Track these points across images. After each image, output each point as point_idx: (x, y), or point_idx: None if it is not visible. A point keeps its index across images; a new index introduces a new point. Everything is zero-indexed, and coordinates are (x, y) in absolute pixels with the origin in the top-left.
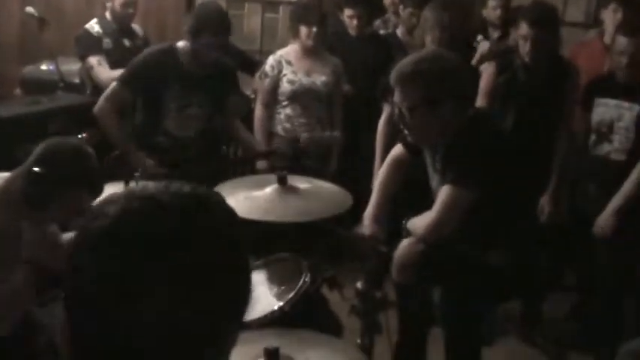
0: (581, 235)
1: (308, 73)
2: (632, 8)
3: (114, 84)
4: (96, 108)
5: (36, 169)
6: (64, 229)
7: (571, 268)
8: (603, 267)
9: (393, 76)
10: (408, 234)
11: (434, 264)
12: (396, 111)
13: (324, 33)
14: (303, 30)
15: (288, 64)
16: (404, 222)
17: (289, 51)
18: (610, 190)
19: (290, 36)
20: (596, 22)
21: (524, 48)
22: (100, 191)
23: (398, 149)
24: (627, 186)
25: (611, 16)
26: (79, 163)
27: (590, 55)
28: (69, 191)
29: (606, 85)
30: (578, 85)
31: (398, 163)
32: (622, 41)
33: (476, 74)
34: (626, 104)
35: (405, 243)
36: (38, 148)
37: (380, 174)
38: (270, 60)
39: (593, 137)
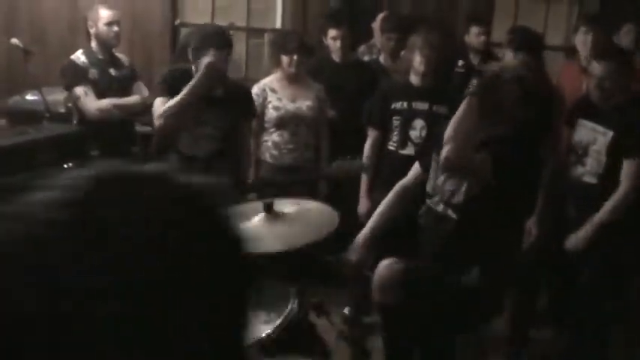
0: (562, 256)
1: (293, 99)
2: (600, 31)
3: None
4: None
5: None
6: None
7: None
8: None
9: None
10: None
11: (415, 283)
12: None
13: (304, 60)
14: (284, 59)
15: (272, 91)
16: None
17: (272, 79)
18: (585, 211)
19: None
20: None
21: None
22: None
23: (409, 179)
24: (600, 214)
25: (582, 40)
26: None
27: (570, 78)
28: None
29: (586, 107)
30: (563, 111)
31: (407, 192)
32: (594, 65)
33: None
34: (600, 128)
35: (383, 264)
36: None
37: (385, 201)
38: (255, 89)
39: (572, 158)
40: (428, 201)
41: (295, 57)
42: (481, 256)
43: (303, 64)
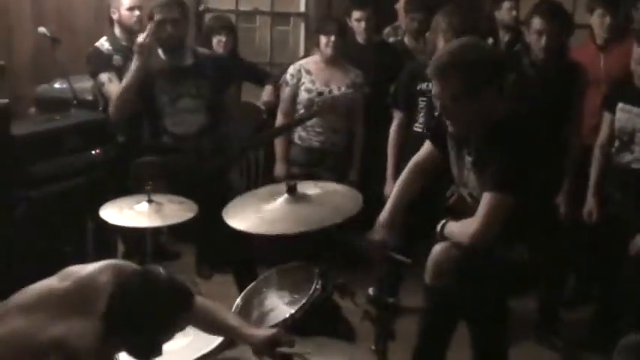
0: (607, 241)
1: (326, 83)
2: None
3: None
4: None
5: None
6: None
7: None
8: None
9: (430, 68)
10: (443, 238)
11: (472, 267)
12: (437, 103)
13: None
14: (322, 39)
15: (307, 73)
16: (438, 226)
17: (310, 61)
18: (634, 197)
19: (301, 48)
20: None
21: (539, 43)
22: (189, 303)
23: (420, 154)
24: None
25: (598, 22)
26: (160, 300)
27: (586, 58)
28: (168, 328)
29: (630, 91)
30: (587, 88)
31: (420, 168)
32: (637, 50)
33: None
34: None
35: (439, 248)
36: (104, 298)
37: (399, 179)
38: (291, 69)
39: (616, 144)
40: (456, 188)
41: (333, 38)
42: (526, 233)
43: (340, 47)
